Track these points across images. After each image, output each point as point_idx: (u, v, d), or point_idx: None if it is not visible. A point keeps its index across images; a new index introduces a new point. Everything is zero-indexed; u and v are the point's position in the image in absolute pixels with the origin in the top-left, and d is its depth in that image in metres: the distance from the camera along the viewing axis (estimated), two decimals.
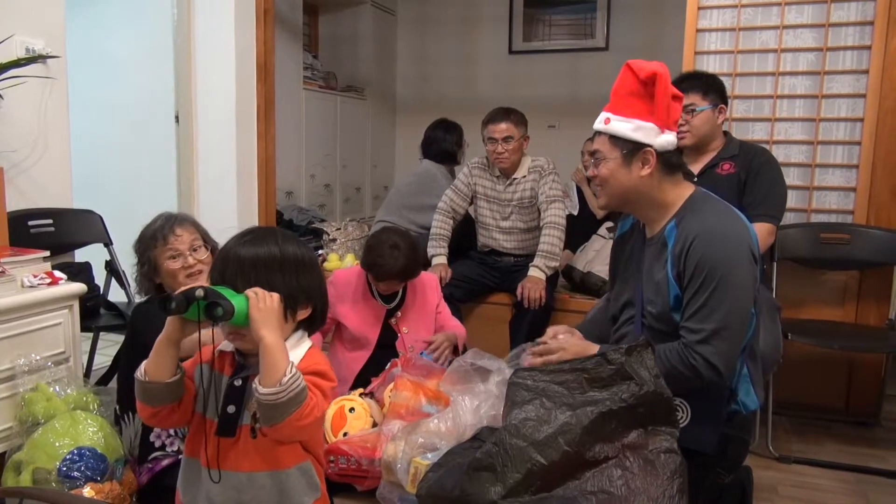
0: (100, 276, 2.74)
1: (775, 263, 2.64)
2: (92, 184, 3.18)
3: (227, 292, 1.14)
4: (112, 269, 2.75)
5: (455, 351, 2.56)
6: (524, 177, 3.03)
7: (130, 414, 1.96)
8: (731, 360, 1.58)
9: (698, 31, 2.85)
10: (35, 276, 1.94)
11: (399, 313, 2.59)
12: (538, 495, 1.46)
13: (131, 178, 3.67)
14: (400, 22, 5.84)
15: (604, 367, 1.53)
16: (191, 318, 1.15)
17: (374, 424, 2.20)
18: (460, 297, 3.01)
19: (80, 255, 2.72)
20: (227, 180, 3.37)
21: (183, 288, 1.15)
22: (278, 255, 1.22)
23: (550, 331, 1.85)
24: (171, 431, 1.92)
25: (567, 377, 1.56)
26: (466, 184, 3.14)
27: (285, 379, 1.10)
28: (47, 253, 2.07)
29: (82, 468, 1.75)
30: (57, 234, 2.50)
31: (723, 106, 2.44)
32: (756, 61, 2.80)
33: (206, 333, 1.15)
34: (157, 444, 1.92)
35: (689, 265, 1.59)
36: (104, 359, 2.93)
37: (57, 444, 1.76)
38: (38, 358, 1.90)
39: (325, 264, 3.41)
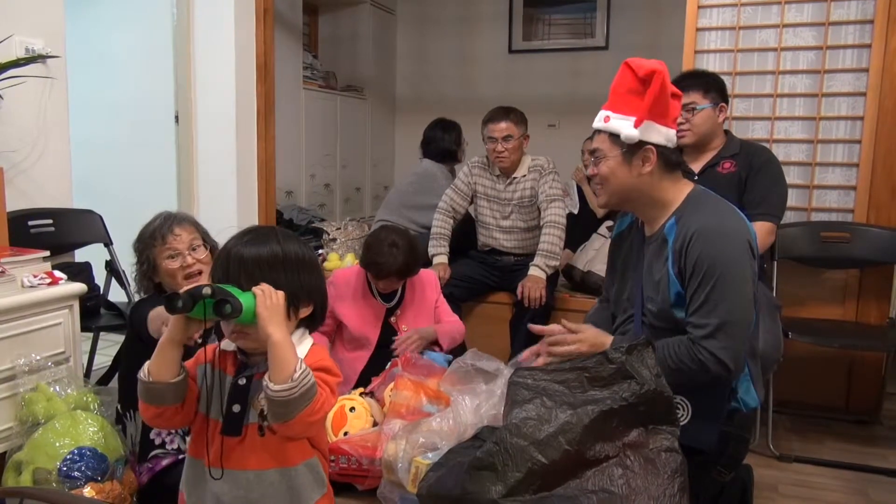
0: (100, 276, 2.74)
1: (775, 262, 2.63)
2: (92, 184, 3.19)
3: (233, 290, 1.14)
4: (112, 268, 2.75)
5: (436, 346, 2.55)
6: (524, 176, 3.03)
7: (132, 412, 1.97)
8: (737, 355, 1.58)
9: (698, 29, 2.85)
10: (35, 276, 1.94)
11: (399, 311, 2.59)
12: (539, 494, 1.46)
13: (131, 178, 3.66)
14: (400, 21, 5.83)
15: (604, 365, 1.53)
16: (196, 317, 1.15)
17: (375, 424, 2.20)
18: (460, 296, 3.01)
19: (80, 255, 2.72)
20: (226, 180, 3.37)
21: (188, 287, 1.15)
22: (280, 253, 1.23)
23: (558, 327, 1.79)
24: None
25: (568, 376, 1.56)
26: (466, 183, 3.14)
27: (297, 375, 1.11)
28: (47, 253, 2.07)
29: (83, 468, 1.74)
30: (57, 234, 2.49)
31: (723, 104, 2.44)
32: (756, 60, 2.80)
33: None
34: (157, 441, 1.92)
35: (690, 262, 1.59)
36: (104, 359, 2.93)
37: (57, 444, 1.76)
38: (38, 358, 1.90)
39: (325, 264, 3.40)
